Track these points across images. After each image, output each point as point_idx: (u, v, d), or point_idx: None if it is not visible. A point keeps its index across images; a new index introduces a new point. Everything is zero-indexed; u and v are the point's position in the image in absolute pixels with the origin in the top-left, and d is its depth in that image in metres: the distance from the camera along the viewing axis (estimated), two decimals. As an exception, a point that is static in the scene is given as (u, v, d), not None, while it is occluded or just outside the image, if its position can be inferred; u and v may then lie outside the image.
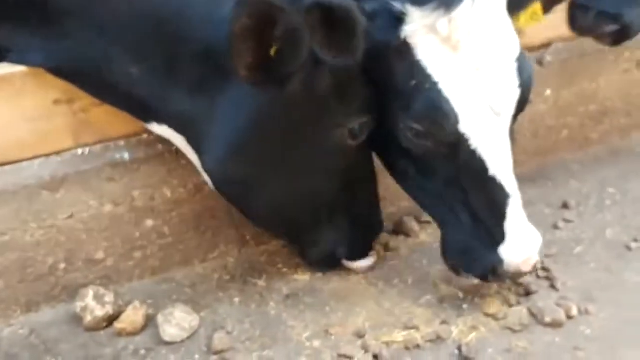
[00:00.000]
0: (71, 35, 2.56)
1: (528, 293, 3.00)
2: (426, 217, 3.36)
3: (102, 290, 2.87)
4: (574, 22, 3.32)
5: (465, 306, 2.96)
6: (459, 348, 2.73)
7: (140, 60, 2.54)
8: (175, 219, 3.04)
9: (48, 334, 2.84)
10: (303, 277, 3.12)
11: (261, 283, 3.09)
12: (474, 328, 2.84)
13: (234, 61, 2.27)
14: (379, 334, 2.81)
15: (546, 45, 3.72)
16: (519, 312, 2.88)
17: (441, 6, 2.38)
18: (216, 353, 2.72)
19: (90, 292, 2.83)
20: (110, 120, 2.83)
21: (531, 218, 3.26)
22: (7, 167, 2.75)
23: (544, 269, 3.12)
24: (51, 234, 2.84)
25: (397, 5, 2.44)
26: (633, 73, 3.98)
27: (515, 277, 2.84)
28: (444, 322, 2.86)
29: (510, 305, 2.93)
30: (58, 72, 2.66)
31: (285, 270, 3.16)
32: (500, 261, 2.73)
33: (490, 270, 2.79)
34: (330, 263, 3.07)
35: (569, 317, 2.88)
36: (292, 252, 3.21)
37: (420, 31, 2.47)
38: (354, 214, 2.92)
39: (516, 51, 2.60)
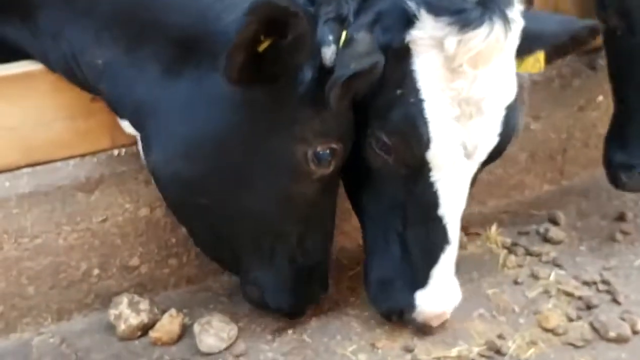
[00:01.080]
0: (43, 29, 2.48)
1: (589, 307, 2.86)
2: (475, 228, 3.21)
3: (136, 298, 2.75)
4: (618, 182, 3.16)
5: (522, 320, 2.83)
6: (512, 363, 2.54)
7: (104, 49, 2.40)
8: (213, 225, 2.88)
9: (80, 343, 2.71)
10: (346, 289, 2.96)
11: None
12: (532, 343, 2.70)
13: (228, 63, 2.13)
14: (430, 348, 2.67)
15: (597, 49, 3.55)
16: (580, 327, 2.75)
17: (457, 23, 2.21)
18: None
19: (124, 299, 2.71)
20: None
21: (586, 230, 3.14)
22: (40, 167, 2.64)
23: (604, 281, 2.99)
24: (85, 237, 2.72)
25: (412, 6, 2.27)
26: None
27: (420, 327, 2.67)
28: (500, 337, 2.71)
29: (571, 320, 2.80)
30: (60, 73, 2.57)
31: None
32: (411, 306, 2.57)
33: (396, 311, 2.64)
34: (260, 304, 2.76)
35: (635, 332, 2.71)
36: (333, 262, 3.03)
37: (426, 41, 2.29)
38: (297, 261, 2.62)
39: (510, 99, 2.44)
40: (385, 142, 2.42)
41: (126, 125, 2.57)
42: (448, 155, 2.39)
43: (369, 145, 2.47)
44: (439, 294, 2.57)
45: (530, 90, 3.40)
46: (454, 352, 2.63)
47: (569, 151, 3.64)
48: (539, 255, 3.15)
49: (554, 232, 3.26)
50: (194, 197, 2.46)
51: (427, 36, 2.27)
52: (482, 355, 2.63)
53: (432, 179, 2.44)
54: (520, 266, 3.10)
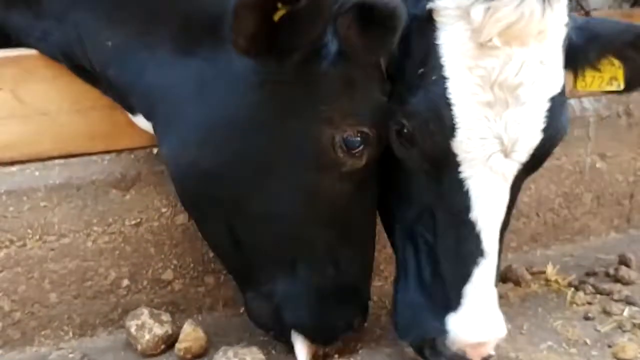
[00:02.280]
0: (48, 11, 2.33)
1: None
2: (538, 267, 2.97)
3: (156, 310, 2.52)
4: None
5: (595, 352, 2.54)
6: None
7: (114, 29, 2.23)
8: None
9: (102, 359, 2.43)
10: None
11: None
12: (608, 375, 2.37)
13: (233, 28, 1.89)
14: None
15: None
16: (647, 362, 2.41)
17: None
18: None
19: (144, 310, 2.49)
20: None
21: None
22: (73, 159, 2.47)
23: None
24: (116, 242, 2.53)
25: None
26: None
27: None
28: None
29: (651, 352, 2.45)
30: (59, 61, 2.40)
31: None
32: (442, 332, 2.18)
33: (427, 341, 2.24)
34: (269, 326, 2.42)
35: None
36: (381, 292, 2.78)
37: (451, 11, 2.04)
38: (326, 276, 2.28)
39: (555, 91, 2.13)
40: (407, 129, 2.13)
41: (141, 121, 2.38)
42: (479, 147, 2.07)
43: (393, 136, 2.18)
44: (475, 319, 2.16)
45: (595, 126, 3.20)
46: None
47: (637, 197, 3.39)
48: (609, 293, 2.88)
49: (625, 271, 3.00)
50: (211, 189, 2.20)
51: (453, 5, 2.03)
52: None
53: (462, 175, 2.12)
54: (590, 303, 2.84)
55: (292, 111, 2.09)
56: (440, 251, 2.20)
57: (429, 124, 2.09)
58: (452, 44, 2.05)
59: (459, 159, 2.10)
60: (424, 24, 2.09)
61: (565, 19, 2.11)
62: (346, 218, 2.25)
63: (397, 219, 2.35)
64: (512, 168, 2.14)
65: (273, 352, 2.50)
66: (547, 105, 2.11)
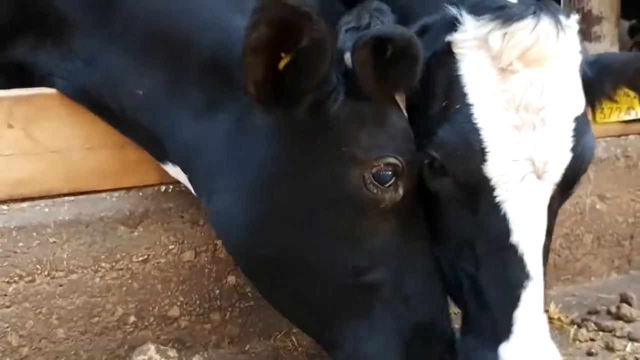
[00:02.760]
0: (77, 52, 2.37)
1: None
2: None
3: (162, 346, 2.53)
4: None
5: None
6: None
7: (144, 76, 2.27)
8: (260, 279, 2.69)
9: (108, 396, 2.45)
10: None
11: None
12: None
13: (243, 75, 1.93)
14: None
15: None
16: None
17: (499, 17, 2.05)
18: None
19: (151, 346, 2.51)
20: (199, 156, 2.58)
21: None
22: (83, 196, 2.52)
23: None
24: (124, 278, 2.55)
25: (454, 11, 2.13)
26: None
27: None
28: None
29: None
30: (79, 100, 2.46)
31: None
32: None
33: None
34: None
35: None
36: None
37: (470, 42, 2.11)
38: (405, 320, 2.18)
39: (578, 111, 2.18)
40: (438, 161, 2.14)
41: (169, 168, 2.44)
42: (512, 169, 2.09)
43: (424, 170, 2.19)
44: (528, 346, 2.09)
45: (595, 168, 3.26)
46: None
47: (637, 238, 3.43)
48: (612, 330, 2.89)
49: (627, 309, 3.02)
50: (257, 247, 2.16)
51: (470, 37, 2.11)
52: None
53: (497, 199, 2.12)
54: (592, 340, 2.86)
55: (315, 159, 2.08)
56: (485, 281, 2.16)
57: (458, 151, 2.11)
58: (474, 73, 2.12)
59: (492, 182, 2.11)
60: (444, 57, 2.16)
61: (579, 47, 2.19)
62: (402, 254, 2.18)
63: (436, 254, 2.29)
64: (546, 189, 2.15)
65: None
66: (572, 125, 2.15)
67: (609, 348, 2.77)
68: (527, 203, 2.12)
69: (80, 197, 2.53)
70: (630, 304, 3.08)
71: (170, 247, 2.60)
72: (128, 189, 2.58)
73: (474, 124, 2.10)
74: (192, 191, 2.40)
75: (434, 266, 2.26)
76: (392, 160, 2.09)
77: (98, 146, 2.52)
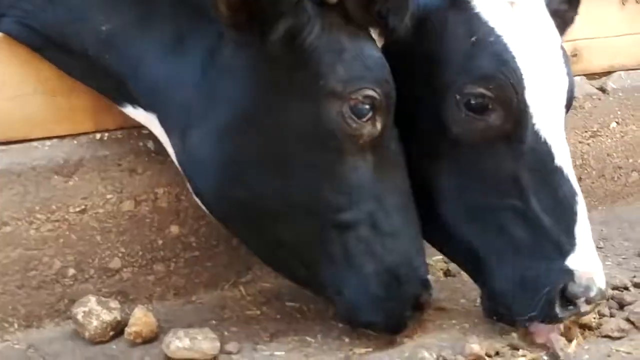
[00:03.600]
0: None
1: (622, 305, 2.56)
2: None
3: (103, 298, 2.46)
4: None
5: (549, 319, 2.47)
6: (554, 352, 2.22)
7: (110, 11, 2.19)
8: (204, 228, 2.65)
9: (49, 348, 2.39)
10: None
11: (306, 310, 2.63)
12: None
13: None
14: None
15: (609, 72, 3.44)
16: (615, 321, 2.42)
17: None
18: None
19: (92, 298, 2.43)
20: (135, 102, 2.51)
21: (610, 249, 2.91)
22: (14, 145, 2.44)
23: (636, 285, 2.70)
24: (60, 230, 2.47)
25: None
26: None
27: (588, 299, 2.22)
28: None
29: (603, 316, 2.46)
30: (33, 43, 2.36)
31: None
32: (568, 272, 2.21)
33: (557, 292, 2.22)
34: (357, 324, 2.32)
35: (679, 325, 2.41)
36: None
37: None
38: (380, 259, 2.19)
39: (560, 40, 2.40)
40: (481, 94, 2.22)
41: (130, 112, 2.38)
42: (542, 94, 2.26)
43: (460, 117, 2.27)
44: (590, 252, 2.28)
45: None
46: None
47: (585, 180, 3.43)
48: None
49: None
50: (232, 189, 2.14)
51: None
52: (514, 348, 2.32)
53: (537, 126, 2.26)
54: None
55: (293, 94, 2.06)
56: (537, 207, 2.26)
57: (504, 77, 2.22)
58: (490, 8, 2.28)
59: (531, 110, 2.24)
60: (456, 3, 2.31)
61: None
62: (380, 192, 2.18)
63: (466, 208, 2.35)
64: (562, 111, 2.35)
65: (226, 333, 2.45)
66: (561, 51, 2.35)
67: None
68: (557, 126, 2.31)
69: (12, 146, 2.44)
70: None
71: (108, 196, 2.53)
72: (61, 137, 2.50)
73: (511, 52, 2.23)
74: (159, 134, 2.35)
75: (412, 205, 2.28)
76: (370, 92, 2.08)
77: (29, 93, 2.43)
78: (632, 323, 2.43)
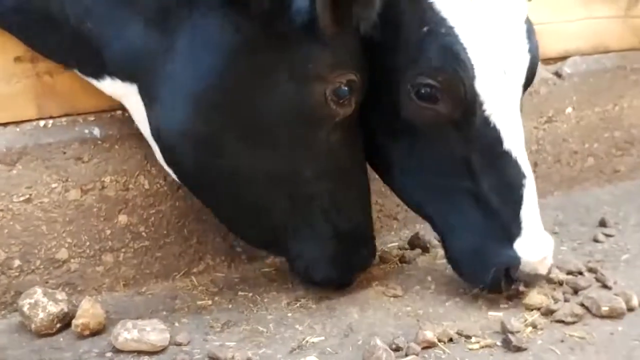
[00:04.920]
0: None
1: (576, 290, 2.57)
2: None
3: (50, 290, 2.42)
4: None
5: (503, 305, 2.48)
6: (507, 338, 2.22)
7: None
8: (154, 217, 2.61)
9: (-6, 341, 2.33)
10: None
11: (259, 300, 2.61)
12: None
13: None
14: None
15: (564, 57, 3.45)
16: (569, 306, 2.43)
17: None
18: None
19: (38, 289, 2.39)
20: (80, 89, 2.48)
21: (566, 234, 2.92)
22: (-46, 134, 2.35)
23: (591, 270, 2.70)
24: (4, 220, 2.42)
25: None
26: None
27: (530, 280, 2.42)
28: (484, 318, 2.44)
29: (557, 301, 2.46)
30: (12, 16, 2.30)
31: (287, 285, 2.68)
32: (515, 259, 2.36)
33: (502, 274, 2.38)
34: (310, 279, 2.58)
35: (630, 310, 2.42)
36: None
37: None
38: (336, 225, 2.43)
39: (524, 14, 2.38)
40: (430, 85, 2.27)
41: (107, 85, 2.35)
42: (494, 80, 2.28)
43: (412, 104, 2.33)
44: (537, 237, 2.38)
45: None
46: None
47: (541, 165, 3.44)
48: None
49: (555, 233, 3.04)
50: (210, 158, 2.24)
51: None
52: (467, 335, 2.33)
53: (486, 112, 2.31)
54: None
55: (279, 73, 2.16)
56: (486, 190, 2.36)
57: (452, 69, 2.25)
58: None
59: (481, 98, 2.28)
60: None
61: None
62: (343, 166, 2.38)
63: (422, 184, 2.47)
64: (518, 92, 2.38)
65: (177, 324, 2.43)
66: (525, 26, 2.36)
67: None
68: (509, 110, 2.35)
69: (-49, 134, 2.38)
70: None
71: (54, 185, 2.48)
72: (4, 124, 2.44)
73: (461, 43, 2.25)
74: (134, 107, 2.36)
75: (366, 177, 2.52)
76: (352, 76, 2.23)
77: (-33, 80, 2.36)
78: (586, 308, 2.43)
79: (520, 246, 2.35)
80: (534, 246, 2.36)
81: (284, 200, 2.34)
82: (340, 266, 2.49)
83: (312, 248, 2.44)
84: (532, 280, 2.42)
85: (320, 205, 2.38)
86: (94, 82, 2.37)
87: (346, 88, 2.22)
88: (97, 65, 2.30)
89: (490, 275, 2.39)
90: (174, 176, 2.42)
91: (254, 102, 2.17)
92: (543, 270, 2.39)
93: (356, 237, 2.49)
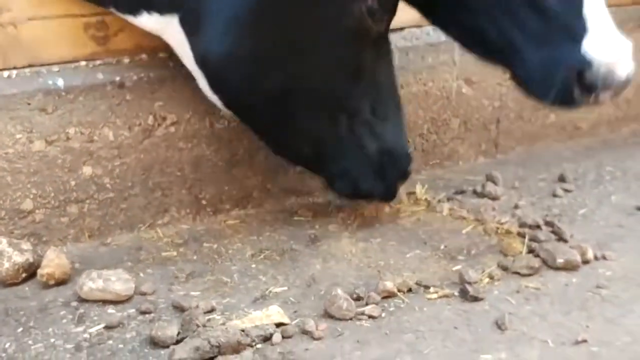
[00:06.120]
0: None
1: (534, 243, 2.64)
2: (409, 189, 3.02)
3: (15, 240, 2.46)
4: None
5: (460, 257, 2.57)
6: (464, 288, 2.31)
7: None
8: (118, 168, 2.65)
9: (-43, 291, 2.37)
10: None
11: (224, 251, 2.67)
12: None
13: None
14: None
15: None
16: (526, 258, 2.50)
17: None
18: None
19: (3, 239, 2.43)
20: (45, 40, 2.50)
21: (525, 189, 3.00)
22: None
23: (548, 223, 2.78)
24: (-32, 170, 2.42)
25: None
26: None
27: (608, 85, 2.22)
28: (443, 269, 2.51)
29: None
30: None
31: (252, 237, 2.74)
32: (585, 58, 2.20)
33: (574, 76, 2.22)
34: (356, 195, 2.75)
35: (585, 262, 2.51)
36: (260, 218, 2.84)
37: None
38: (379, 139, 2.59)
39: None
40: None
41: (145, 21, 2.43)
42: None
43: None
44: (607, 36, 2.20)
45: (460, 51, 3.29)
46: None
47: (503, 122, 3.52)
48: (477, 207, 2.96)
49: (492, 187, 3.10)
50: (256, 79, 2.36)
51: None
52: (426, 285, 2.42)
53: None
54: (463, 218, 2.91)
55: None
56: None
57: None
58: None
59: None
60: None
61: None
62: (381, 82, 2.53)
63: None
64: None
65: (141, 275, 2.48)
66: None
67: (478, 220, 2.85)
68: None
69: None
70: (495, 183, 3.16)
71: (18, 136, 2.51)
72: (-34, 75, 2.45)
73: None
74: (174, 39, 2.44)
75: (398, 93, 2.66)
76: None
77: None
78: (543, 260, 2.52)
79: (589, 45, 2.19)
80: (605, 44, 2.19)
81: (329, 117, 2.49)
82: (384, 178, 2.64)
83: (357, 162, 2.58)
84: (610, 86, 2.21)
85: (364, 120, 2.52)
86: (130, 18, 2.45)
87: (378, 6, 2.35)
88: (133, 0, 2.37)
89: (560, 78, 2.25)
90: (219, 104, 2.52)
91: (296, 21, 2.29)
92: (622, 73, 2.20)
93: (396, 150, 2.62)
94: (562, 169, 3.39)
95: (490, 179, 3.20)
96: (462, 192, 3.14)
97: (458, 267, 2.51)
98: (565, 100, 2.28)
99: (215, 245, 2.69)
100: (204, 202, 2.87)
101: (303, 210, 2.94)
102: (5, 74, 2.49)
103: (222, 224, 2.87)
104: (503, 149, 3.58)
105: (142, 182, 2.73)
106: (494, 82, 3.46)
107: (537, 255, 2.55)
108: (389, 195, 2.74)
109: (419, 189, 3.07)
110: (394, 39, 3.06)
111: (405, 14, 2.68)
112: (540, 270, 2.49)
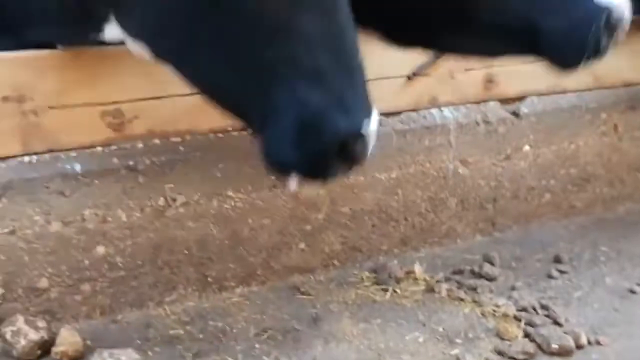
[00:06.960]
0: None
1: (530, 326, 2.77)
2: (409, 267, 3.15)
3: (31, 317, 2.60)
4: None
5: (458, 340, 2.70)
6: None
7: None
8: (130, 248, 2.79)
9: (-24, 370, 2.49)
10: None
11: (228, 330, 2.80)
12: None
13: None
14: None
15: (522, 98, 3.69)
16: (522, 342, 2.64)
17: None
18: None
19: (20, 317, 2.56)
20: (64, 127, 2.63)
21: (522, 269, 3.14)
22: (-59, 169, 2.51)
23: (543, 307, 2.93)
24: (-12, 251, 2.56)
25: None
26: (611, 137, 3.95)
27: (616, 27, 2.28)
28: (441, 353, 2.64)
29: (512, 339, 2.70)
30: None
31: (255, 316, 2.87)
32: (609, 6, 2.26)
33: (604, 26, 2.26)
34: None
35: (579, 347, 2.64)
36: (263, 296, 2.96)
37: None
38: (292, 92, 1.88)
39: None
40: None
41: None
42: None
43: None
44: None
45: (456, 133, 3.46)
46: None
47: (500, 201, 3.67)
48: (474, 288, 3.09)
49: (489, 268, 3.24)
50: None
51: None
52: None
53: None
54: (462, 299, 3.04)
55: None
56: None
57: None
58: None
59: None
60: None
61: None
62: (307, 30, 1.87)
63: None
64: None
65: (150, 353, 2.60)
66: None
67: (476, 302, 2.98)
68: None
69: (-61, 169, 2.54)
70: (492, 264, 3.30)
71: (36, 218, 2.64)
72: (-10, 160, 2.60)
73: None
74: None
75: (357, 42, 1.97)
76: None
77: (-43, 116, 2.52)
78: (538, 345, 2.65)
79: None
80: None
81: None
82: (308, 148, 1.87)
83: (274, 122, 1.89)
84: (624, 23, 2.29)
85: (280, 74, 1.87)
86: None
87: None
88: None
89: (592, 34, 2.27)
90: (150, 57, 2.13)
91: None
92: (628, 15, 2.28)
93: (333, 115, 1.86)
94: (557, 249, 3.52)
95: (487, 259, 3.34)
96: (460, 272, 3.26)
97: (456, 351, 2.63)
98: (596, 52, 2.32)
99: (220, 324, 2.81)
100: (209, 279, 3.00)
101: (306, 288, 3.05)
102: (26, 159, 2.64)
103: (227, 301, 2.99)
104: (500, 227, 3.72)
105: (152, 260, 2.86)
106: (489, 162, 3.62)
107: (533, 340, 2.67)
108: (319, 171, 1.93)
109: (417, 269, 3.19)
110: (392, 122, 3.24)
111: (402, 99, 2.85)
112: (536, 356, 2.62)
